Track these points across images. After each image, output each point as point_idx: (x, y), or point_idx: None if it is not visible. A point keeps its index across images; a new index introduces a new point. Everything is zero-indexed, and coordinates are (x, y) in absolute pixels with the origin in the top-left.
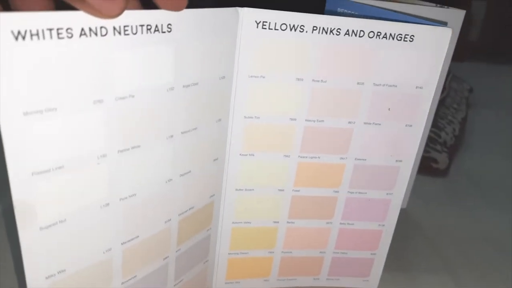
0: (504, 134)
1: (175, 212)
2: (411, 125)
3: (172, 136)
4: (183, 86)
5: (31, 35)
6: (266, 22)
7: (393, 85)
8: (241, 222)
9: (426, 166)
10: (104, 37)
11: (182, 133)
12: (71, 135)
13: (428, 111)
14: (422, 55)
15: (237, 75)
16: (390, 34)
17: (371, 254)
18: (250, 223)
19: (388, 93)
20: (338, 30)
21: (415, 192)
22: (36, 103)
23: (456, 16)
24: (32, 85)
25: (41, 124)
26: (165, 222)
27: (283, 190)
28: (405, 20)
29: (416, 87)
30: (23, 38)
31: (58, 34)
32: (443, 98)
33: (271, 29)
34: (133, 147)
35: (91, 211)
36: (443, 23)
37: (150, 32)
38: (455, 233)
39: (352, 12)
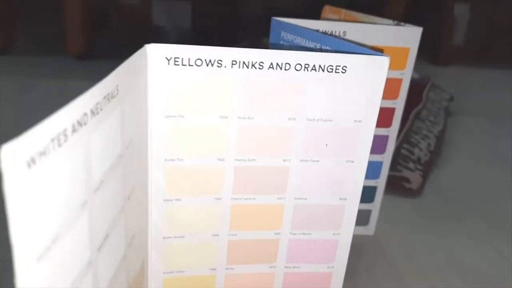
0: (485, 145)
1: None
2: (352, 161)
3: (123, 207)
4: (126, 148)
5: None
6: (178, 58)
7: (328, 120)
8: (173, 272)
9: (397, 186)
10: None
11: (128, 199)
12: None
13: (370, 145)
14: (357, 86)
15: (152, 117)
16: (320, 66)
17: None
18: (183, 272)
19: (323, 128)
20: (261, 64)
21: (384, 215)
22: None
23: (413, 33)
24: None
25: None
26: None
27: (217, 235)
28: (344, 49)
29: (354, 120)
30: None
31: None
32: (419, 111)
33: (185, 65)
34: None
35: None
36: (380, 51)
37: (109, 101)
38: (425, 263)
39: (295, 36)
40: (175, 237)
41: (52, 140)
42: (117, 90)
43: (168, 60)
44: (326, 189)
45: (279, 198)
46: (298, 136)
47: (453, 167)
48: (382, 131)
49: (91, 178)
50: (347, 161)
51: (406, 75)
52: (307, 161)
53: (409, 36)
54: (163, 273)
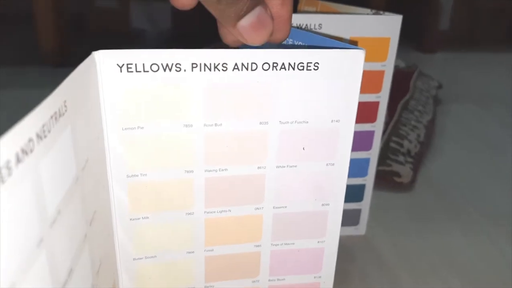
0: (477, 132)
1: None
2: (333, 164)
3: (86, 235)
4: (82, 169)
5: None
6: (131, 64)
7: (304, 121)
8: None
9: (388, 181)
10: None
11: (90, 224)
12: None
13: (350, 145)
14: (332, 83)
15: (107, 130)
16: (289, 64)
17: None
18: None
19: (299, 131)
20: (225, 65)
21: (375, 212)
22: None
23: (393, 22)
24: None
25: None
26: None
27: (193, 252)
28: (317, 43)
29: (332, 120)
30: None
31: None
32: (406, 101)
33: (140, 71)
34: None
35: None
36: (355, 43)
37: (56, 120)
38: (419, 262)
39: None
40: (146, 257)
41: None
42: (65, 106)
43: (120, 67)
44: (307, 195)
45: (256, 209)
46: (271, 141)
47: (445, 157)
48: (367, 127)
49: (45, 212)
50: (327, 164)
51: (388, 66)
52: (284, 167)
53: (388, 25)
54: None
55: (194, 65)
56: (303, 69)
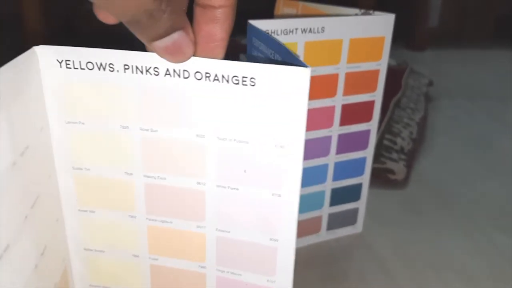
0: (468, 128)
1: None
2: (279, 195)
3: (26, 216)
4: (21, 155)
5: None
6: (69, 60)
7: (244, 141)
8: (100, 286)
9: (382, 179)
10: None
11: (32, 207)
12: None
13: (300, 177)
14: (272, 103)
15: (54, 122)
16: (223, 76)
17: None
18: None
19: (239, 150)
20: (156, 70)
21: (371, 210)
22: None
23: (386, 21)
24: None
25: None
26: None
27: (138, 256)
28: (285, 58)
29: (275, 145)
30: None
31: None
32: (398, 99)
33: (77, 68)
34: None
35: None
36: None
37: None
38: (416, 259)
39: (260, 42)
40: (96, 250)
41: None
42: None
43: (60, 62)
44: (252, 224)
45: (198, 227)
46: (210, 157)
47: (437, 154)
48: (363, 126)
49: None
50: (272, 194)
51: (382, 65)
52: (225, 187)
53: (382, 25)
54: (90, 285)
55: (126, 67)
56: (238, 84)
